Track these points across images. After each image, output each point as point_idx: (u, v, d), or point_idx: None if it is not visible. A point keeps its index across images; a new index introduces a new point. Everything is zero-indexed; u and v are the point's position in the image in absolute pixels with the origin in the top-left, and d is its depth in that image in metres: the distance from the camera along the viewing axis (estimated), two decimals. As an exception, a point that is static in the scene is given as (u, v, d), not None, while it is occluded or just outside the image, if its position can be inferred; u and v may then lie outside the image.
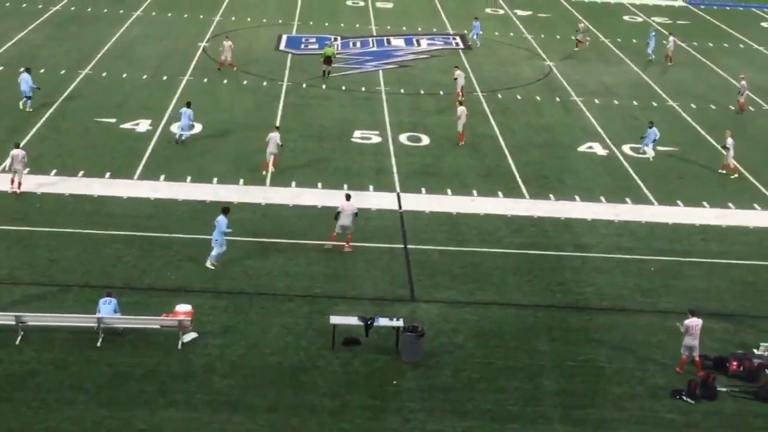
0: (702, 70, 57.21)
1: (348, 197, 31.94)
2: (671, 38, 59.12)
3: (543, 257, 32.20)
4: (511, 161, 40.43)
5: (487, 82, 51.70)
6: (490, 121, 45.32)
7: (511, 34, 63.54)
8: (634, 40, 62.52)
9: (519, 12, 70.22)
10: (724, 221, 35.76)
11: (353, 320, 26.37)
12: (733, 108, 49.18)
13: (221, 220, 29.78)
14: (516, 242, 33.24)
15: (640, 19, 69.85)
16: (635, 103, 49.61)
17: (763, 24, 71.06)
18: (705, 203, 37.25)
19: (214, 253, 29.84)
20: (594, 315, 28.71)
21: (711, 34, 66.36)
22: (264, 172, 37.39)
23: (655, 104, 49.65)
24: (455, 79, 48.43)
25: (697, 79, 54.93)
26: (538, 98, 49.48)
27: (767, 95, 51.55)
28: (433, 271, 30.70)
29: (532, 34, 63.31)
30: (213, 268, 29.75)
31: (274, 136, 37.52)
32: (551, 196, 37.24)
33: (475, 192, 36.97)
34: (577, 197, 37.20)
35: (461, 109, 42.05)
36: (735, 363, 25.86)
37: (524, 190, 37.56)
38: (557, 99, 49.65)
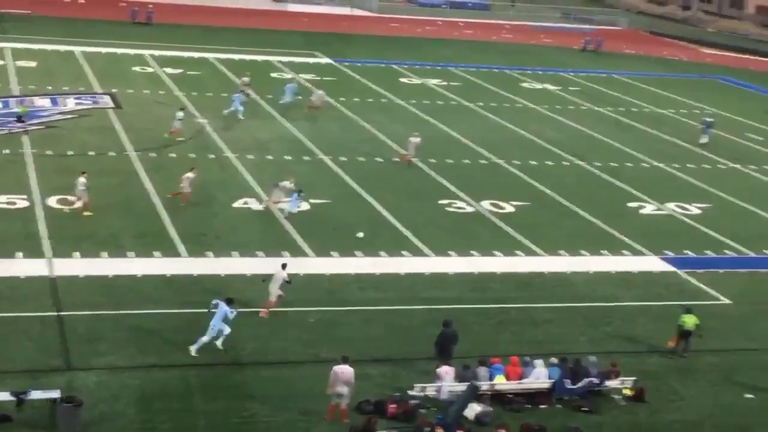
0: (350, 124, 59.40)
1: (284, 266, 32.54)
2: (319, 92, 61.77)
3: (204, 316, 31.80)
4: (167, 220, 39.87)
5: (141, 140, 50.86)
6: (144, 180, 44.53)
7: (162, 92, 63.08)
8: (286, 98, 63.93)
9: (168, 70, 69.91)
10: (377, 269, 37.06)
11: (4, 396, 24.78)
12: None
13: (224, 309, 29.07)
14: (176, 302, 32.73)
15: (288, 76, 71.61)
16: (288, 157, 50.61)
17: (403, 80, 75.01)
18: (358, 252, 38.46)
19: (205, 339, 29.02)
20: (257, 370, 28.75)
21: (356, 90, 69.14)
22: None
23: (307, 158, 50.89)
24: (180, 119, 51.93)
25: (345, 133, 56.92)
26: (193, 156, 49.29)
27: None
28: (90, 338, 29.53)
29: (183, 92, 63.16)
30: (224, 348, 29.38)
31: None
32: (210, 253, 37.06)
33: (133, 253, 36.14)
34: (235, 253, 37.26)
35: (190, 176, 42.07)
36: (393, 405, 26.77)
37: (182, 249, 37.13)
38: (211, 156, 49.70)
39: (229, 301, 29.49)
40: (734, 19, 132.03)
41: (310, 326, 31.91)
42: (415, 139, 51.70)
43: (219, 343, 29.25)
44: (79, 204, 39.78)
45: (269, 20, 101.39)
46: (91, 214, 39.33)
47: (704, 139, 61.41)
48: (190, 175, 41.92)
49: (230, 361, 29.06)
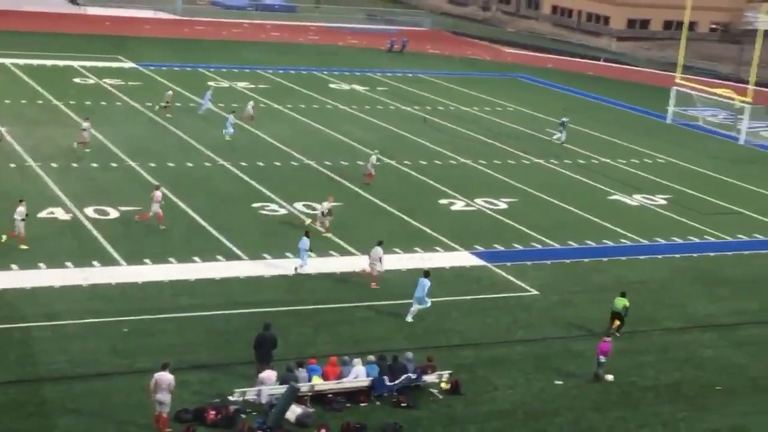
0: (158, 129, 58.32)
1: (379, 243, 37.03)
2: (251, 102, 62.68)
3: (9, 330, 30.68)
4: (-33, 233, 38.19)
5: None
6: (-60, 192, 42.51)
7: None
8: (87, 102, 62.17)
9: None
10: (192, 275, 36.53)
11: None
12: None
13: (425, 282, 33.79)
14: (-21, 318, 31.42)
15: (91, 81, 69.73)
16: (95, 165, 49.25)
17: (210, 83, 74.10)
18: (172, 259, 37.81)
19: (415, 308, 34.05)
20: (70, 384, 27.86)
21: (163, 94, 67.80)
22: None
23: (114, 165, 49.66)
24: (84, 129, 50.96)
25: (154, 139, 55.84)
26: (-8, 165, 47.38)
27: (221, 153, 53.71)
28: None
29: (-21, 99, 60.65)
30: (412, 320, 34.03)
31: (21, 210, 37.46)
32: (14, 266, 35.67)
33: (-72, 269, 34.40)
34: (42, 265, 36.00)
35: (158, 194, 40.72)
36: (213, 412, 26.44)
37: (-16, 263, 35.68)
38: (12, 165, 47.84)
39: (426, 275, 34.23)
40: (532, 19, 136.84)
41: (124, 336, 31.15)
42: (373, 157, 51.37)
43: (409, 317, 34.10)
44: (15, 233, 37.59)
45: (68, 24, 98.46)
46: (27, 248, 37.30)
47: (560, 136, 63.67)
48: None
49: (39, 377, 28.04)
